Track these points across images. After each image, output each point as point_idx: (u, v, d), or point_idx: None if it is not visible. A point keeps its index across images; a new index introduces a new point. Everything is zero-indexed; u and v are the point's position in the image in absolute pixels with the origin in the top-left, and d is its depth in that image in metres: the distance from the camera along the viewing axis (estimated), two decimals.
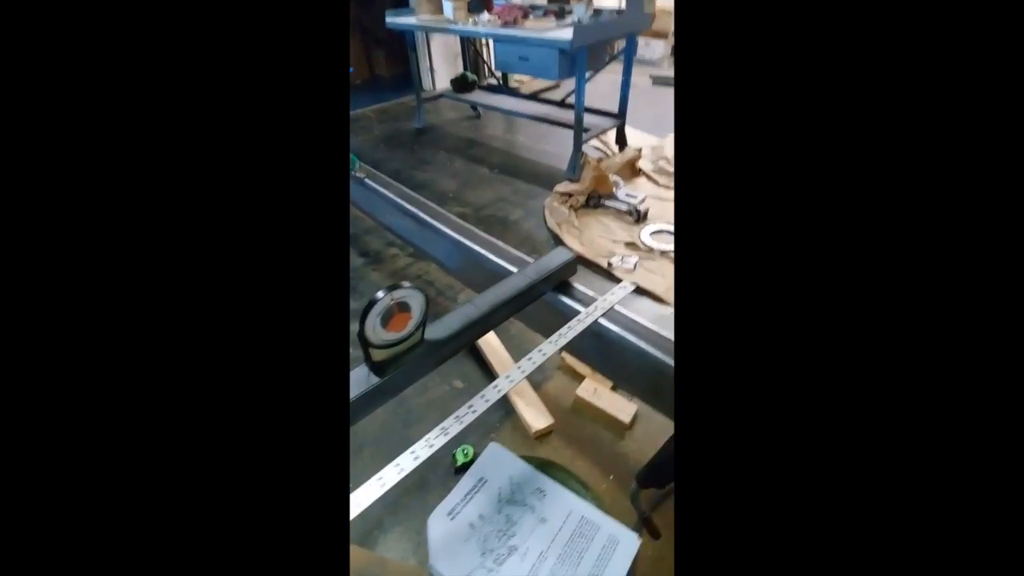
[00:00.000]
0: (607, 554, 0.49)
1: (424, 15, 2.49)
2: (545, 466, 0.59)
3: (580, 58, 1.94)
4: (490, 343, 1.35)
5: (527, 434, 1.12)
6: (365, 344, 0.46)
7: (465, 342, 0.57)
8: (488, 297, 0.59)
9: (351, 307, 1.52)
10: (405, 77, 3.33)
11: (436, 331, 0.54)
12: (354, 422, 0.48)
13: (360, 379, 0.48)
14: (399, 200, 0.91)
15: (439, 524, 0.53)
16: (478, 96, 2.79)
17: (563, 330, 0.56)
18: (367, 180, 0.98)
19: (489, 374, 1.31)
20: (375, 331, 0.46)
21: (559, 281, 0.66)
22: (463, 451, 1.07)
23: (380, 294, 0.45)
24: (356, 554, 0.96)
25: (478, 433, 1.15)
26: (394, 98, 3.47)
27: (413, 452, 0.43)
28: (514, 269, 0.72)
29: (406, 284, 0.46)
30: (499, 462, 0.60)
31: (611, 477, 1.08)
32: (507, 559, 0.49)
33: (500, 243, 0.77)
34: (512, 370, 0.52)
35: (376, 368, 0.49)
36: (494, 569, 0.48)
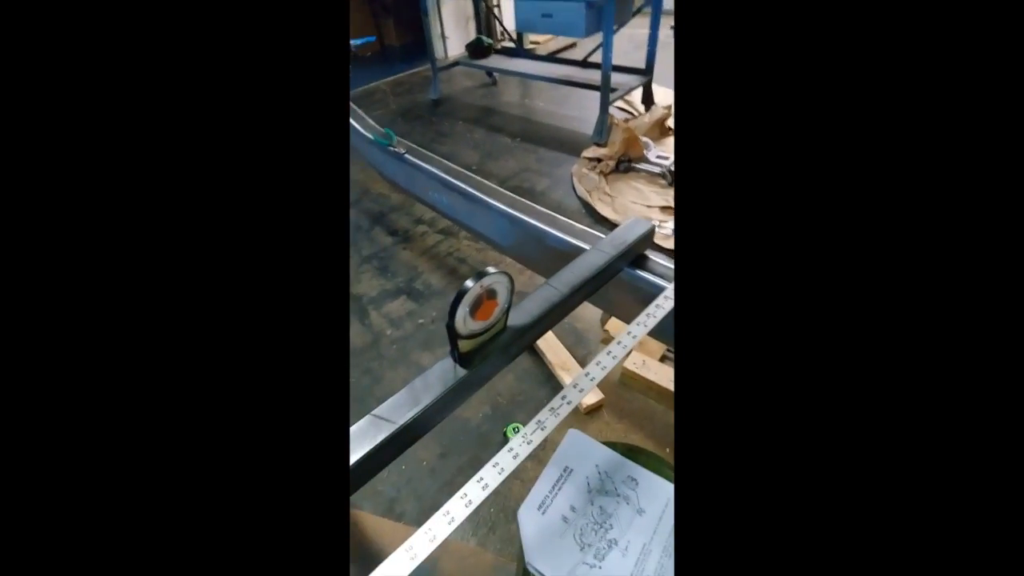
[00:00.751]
0: None
1: None
2: (631, 452, 0.56)
3: (608, 11, 1.81)
4: (547, 339, 1.31)
5: (577, 410, 1.10)
6: (454, 336, 0.42)
7: (547, 326, 0.53)
8: (566, 277, 0.55)
9: (384, 287, 1.50)
10: (416, 46, 3.20)
11: (517, 317, 0.50)
12: (443, 417, 0.45)
13: (446, 372, 0.45)
14: (444, 175, 0.86)
15: (531, 519, 0.50)
16: (495, 61, 2.66)
17: (651, 309, 0.52)
18: (407, 155, 0.92)
19: (533, 352, 1.29)
20: (464, 322, 0.42)
21: (636, 255, 0.61)
22: (513, 428, 1.05)
23: (469, 283, 0.41)
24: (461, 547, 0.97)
25: (525, 410, 1.14)
26: (407, 68, 3.34)
27: (482, 480, 0.39)
28: (579, 244, 0.67)
29: (492, 270, 0.42)
30: (582, 449, 0.58)
31: (667, 450, 1.06)
32: (608, 553, 0.46)
33: (561, 217, 0.72)
34: (595, 364, 0.48)
35: (462, 360, 0.45)
36: (596, 565, 0.45)
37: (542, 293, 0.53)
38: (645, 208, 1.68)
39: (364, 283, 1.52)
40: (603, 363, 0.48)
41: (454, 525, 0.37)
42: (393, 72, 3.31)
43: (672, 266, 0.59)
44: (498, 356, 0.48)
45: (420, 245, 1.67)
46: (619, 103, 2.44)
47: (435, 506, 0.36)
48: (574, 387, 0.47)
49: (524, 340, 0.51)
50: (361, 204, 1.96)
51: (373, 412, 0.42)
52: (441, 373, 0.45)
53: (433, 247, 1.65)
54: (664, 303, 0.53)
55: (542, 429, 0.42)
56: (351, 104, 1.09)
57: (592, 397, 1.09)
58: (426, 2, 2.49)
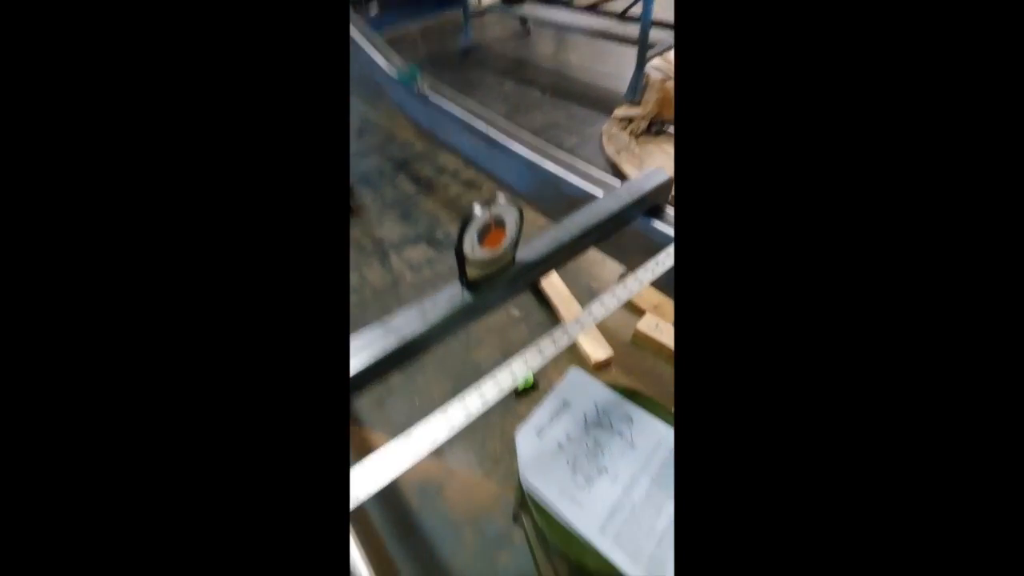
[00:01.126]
0: None
1: None
2: (630, 394, 0.58)
3: None
4: (548, 275, 1.33)
5: (585, 364, 1.12)
6: (461, 260, 0.44)
7: (554, 264, 0.54)
8: (578, 220, 0.55)
9: (405, 233, 1.52)
10: None
11: (526, 252, 0.51)
12: (445, 338, 0.48)
13: (454, 296, 0.47)
14: (465, 116, 0.85)
15: (528, 441, 0.53)
16: (530, 9, 2.54)
17: (661, 256, 0.52)
18: (432, 96, 0.92)
19: (544, 303, 1.31)
20: (472, 248, 0.44)
21: (652, 205, 0.61)
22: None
23: (477, 209, 0.42)
24: (423, 463, 1.03)
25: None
26: (438, 13, 3.23)
27: (481, 392, 0.41)
28: (597, 191, 0.67)
29: (502, 199, 0.43)
30: (582, 387, 0.60)
31: (673, 411, 1.08)
32: (598, 479, 0.49)
33: (581, 163, 0.71)
34: (598, 303, 0.49)
35: (470, 286, 0.47)
36: (585, 487, 0.48)
37: (552, 233, 0.54)
38: (672, 172, 1.63)
39: (386, 228, 1.55)
40: (606, 303, 0.49)
41: (450, 433, 0.39)
42: (422, 15, 3.20)
43: None
44: (504, 287, 0.49)
45: (443, 195, 1.68)
46: (657, 61, 2.32)
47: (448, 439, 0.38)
48: (576, 323, 0.49)
49: (530, 275, 0.52)
50: (386, 150, 1.96)
51: (383, 321, 0.44)
52: (449, 296, 0.47)
53: (455, 198, 1.65)
54: (666, 259, 0.53)
55: (541, 354, 0.44)
56: (378, 39, 1.07)
57: (602, 352, 1.11)
58: None
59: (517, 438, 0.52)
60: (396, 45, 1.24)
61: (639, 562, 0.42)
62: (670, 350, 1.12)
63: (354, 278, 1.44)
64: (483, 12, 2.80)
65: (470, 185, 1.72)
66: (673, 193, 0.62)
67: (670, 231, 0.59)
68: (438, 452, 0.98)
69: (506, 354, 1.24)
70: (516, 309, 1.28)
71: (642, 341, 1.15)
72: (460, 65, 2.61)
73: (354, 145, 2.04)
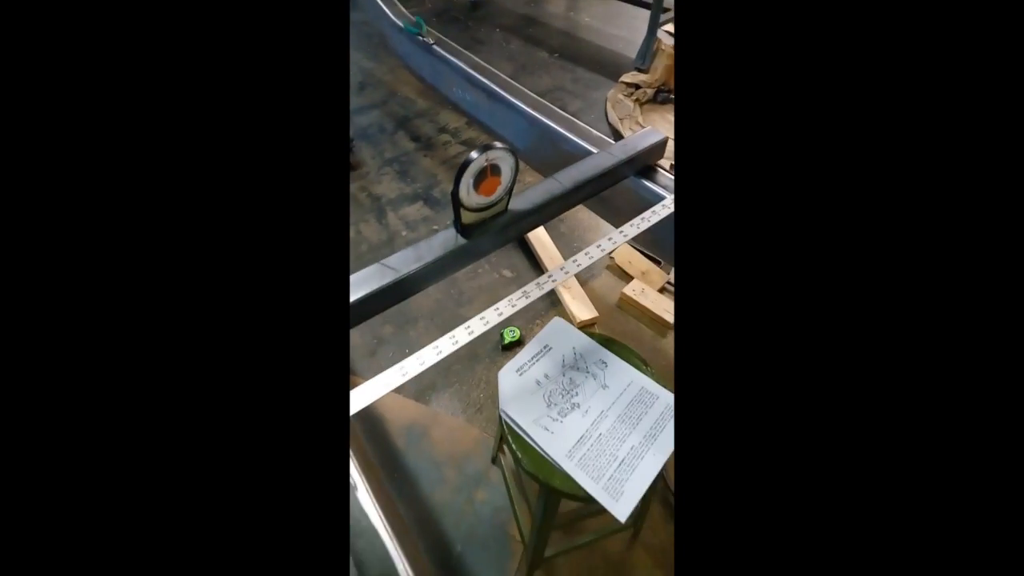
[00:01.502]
0: (663, 421, 0.53)
1: None
2: (607, 342, 0.62)
3: None
4: (539, 236, 1.35)
5: (571, 321, 1.17)
6: (457, 205, 0.47)
7: (545, 216, 0.57)
8: (571, 173, 0.58)
9: (403, 191, 1.53)
10: None
11: (519, 203, 0.54)
12: (438, 279, 0.51)
13: (448, 239, 0.50)
14: (469, 70, 0.86)
15: (509, 378, 0.58)
16: None
17: (647, 214, 0.55)
18: (435, 46, 0.92)
19: (536, 267, 1.34)
20: (468, 193, 0.46)
21: (644, 165, 0.63)
22: (510, 331, 1.13)
23: (474, 154, 0.44)
24: (411, 407, 1.09)
25: (524, 318, 1.21)
26: None
27: (468, 327, 0.45)
28: (593, 150, 0.69)
29: (499, 145, 0.45)
30: (563, 333, 0.64)
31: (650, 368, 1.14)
32: (570, 413, 0.54)
33: (579, 122, 0.73)
34: (583, 254, 0.52)
35: (464, 231, 0.50)
36: (558, 419, 0.53)
37: (545, 185, 0.57)
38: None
39: (384, 184, 1.56)
40: (591, 253, 0.52)
41: (438, 358, 0.43)
42: None
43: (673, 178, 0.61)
44: (497, 233, 0.52)
45: (441, 154, 1.68)
46: (670, 27, 2.27)
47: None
48: (560, 270, 0.52)
49: (523, 224, 0.55)
50: (387, 106, 1.93)
51: (381, 261, 0.47)
52: (444, 239, 0.50)
53: (454, 157, 1.65)
54: (660, 211, 0.56)
55: (526, 296, 0.48)
56: None
57: (587, 313, 1.15)
58: None
59: (500, 375, 0.57)
60: None
61: (599, 482, 0.48)
62: (653, 314, 1.16)
63: (351, 233, 1.46)
64: None
65: (470, 145, 1.72)
66: (669, 157, 0.65)
67: (660, 192, 0.61)
68: (425, 399, 1.03)
69: (500, 310, 1.28)
70: (508, 270, 1.32)
71: (627, 305, 1.20)
72: (467, 20, 2.53)
73: (355, 100, 2.00)
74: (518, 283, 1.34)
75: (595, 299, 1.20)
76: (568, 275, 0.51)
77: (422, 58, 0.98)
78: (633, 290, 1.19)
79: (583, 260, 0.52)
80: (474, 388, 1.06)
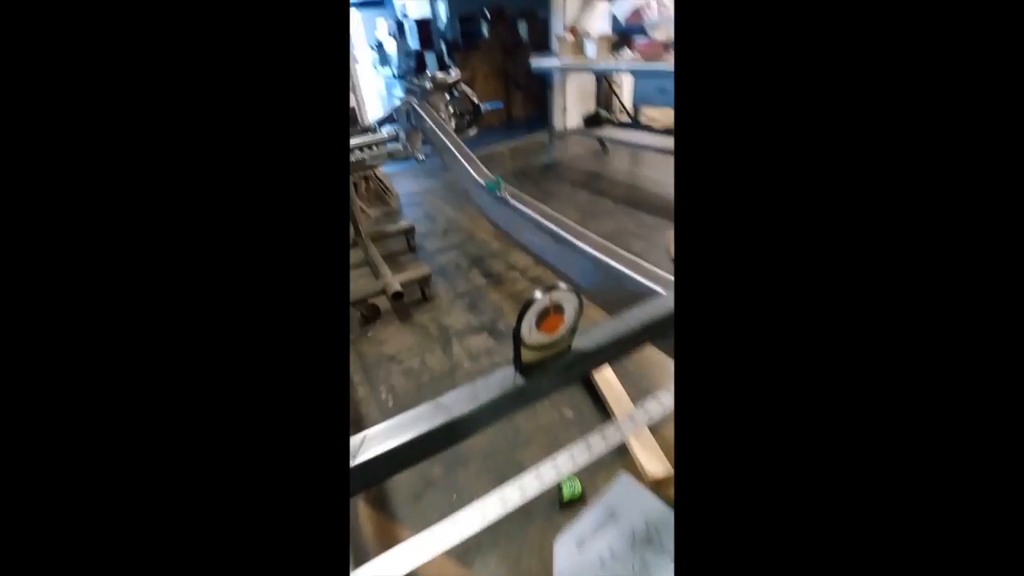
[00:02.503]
0: None
1: (566, 57, 2.62)
2: None
3: None
4: (604, 375, 1.28)
5: (641, 479, 1.02)
6: (518, 343, 0.45)
7: (609, 356, 0.53)
8: (636, 314, 0.55)
9: (470, 322, 1.58)
10: (539, 118, 3.54)
11: (582, 342, 0.51)
12: (494, 422, 0.47)
13: (506, 379, 0.47)
14: (537, 217, 0.92)
15: (566, 553, 0.48)
16: (607, 131, 2.81)
17: None
18: (511, 200, 1.02)
19: (601, 407, 1.25)
20: (530, 331, 0.45)
21: None
22: (569, 485, 1.00)
23: (538, 294, 0.44)
24: (451, 570, 0.94)
25: (588, 469, 1.09)
26: (527, 135, 3.68)
27: (521, 485, 0.40)
28: (659, 290, 0.67)
29: (563, 286, 0.45)
30: (632, 497, 0.54)
31: None
32: None
33: (643, 262, 0.73)
34: (655, 400, 0.46)
35: (523, 370, 0.47)
36: None
37: (610, 324, 0.54)
38: None
39: (453, 316, 1.63)
40: (663, 401, 0.46)
41: (484, 524, 0.37)
42: (514, 139, 3.66)
43: None
44: (558, 374, 0.49)
45: (510, 289, 1.75)
46: None
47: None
48: (629, 420, 0.46)
49: (585, 364, 0.51)
50: (464, 247, 2.12)
51: (436, 399, 0.45)
52: (502, 378, 0.47)
53: (521, 292, 1.72)
54: None
55: (589, 450, 0.42)
56: (467, 151, 1.24)
57: (660, 469, 1.00)
58: (552, 79, 2.77)
59: (555, 547, 0.48)
60: (486, 161, 1.42)
61: None
62: None
63: (415, 362, 1.49)
64: (566, 134, 3.14)
65: (537, 281, 1.79)
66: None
67: None
68: (468, 559, 0.90)
69: (558, 465, 1.16)
70: (569, 410, 1.23)
71: None
72: (540, 178, 2.88)
73: (438, 242, 2.25)
74: (580, 425, 1.24)
75: (668, 449, 1.06)
76: (637, 426, 0.45)
77: (498, 209, 1.09)
78: None
79: (654, 409, 0.46)
80: (525, 553, 0.91)
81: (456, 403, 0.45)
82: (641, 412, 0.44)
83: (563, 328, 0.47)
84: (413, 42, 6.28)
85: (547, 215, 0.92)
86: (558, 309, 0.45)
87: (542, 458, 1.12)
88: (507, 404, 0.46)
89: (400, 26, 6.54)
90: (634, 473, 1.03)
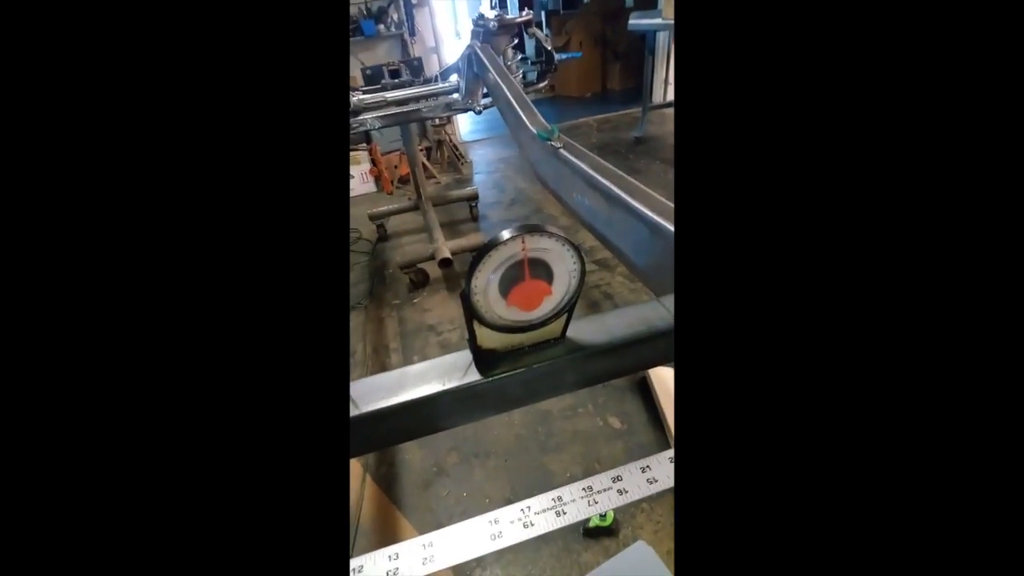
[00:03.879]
0: None
1: (671, 15, 2.28)
2: None
3: None
4: (663, 380, 1.05)
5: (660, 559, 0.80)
6: (470, 314, 0.28)
7: (635, 363, 0.34)
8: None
9: None
10: (636, 91, 3.19)
11: (588, 331, 0.32)
12: (425, 432, 0.31)
13: (455, 368, 0.30)
14: (589, 170, 0.73)
15: None
16: None
17: None
18: (562, 150, 0.83)
19: (657, 420, 1.02)
20: (488, 297, 0.27)
21: None
22: (600, 516, 0.82)
23: (506, 234, 0.26)
24: None
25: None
26: (621, 109, 3.35)
27: (539, 509, 0.24)
28: None
29: (552, 229, 0.27)
30: (644, 568, 0.35)
31: None
32: None
33: None
34: None
35: (482, 360, 0.30)
36: None
37: (642, 310, 0.34)
38: None
39: None
40: None
41: (493, 547, 0.23)
42: (605, 111, 3.36)
43: None
44: (541, 374, 0.31)
45: None
46: None
47: (481, 559, 0.27)
48: (642, 472, 0.27)
49: (590, 367, 0.32)
50: (529, 220, 1.96)
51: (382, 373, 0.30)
52: (447, 368, 0.31)
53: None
54: None
55: (625, 492, 0.24)
56: (525, 98, 1.06)
57: None
58: (655, 42, 2.44)
59: None
60: (570, 132, 1.23)
61: None
62: None
63: (455, 335, 1.38)
64: (663, 106, 2.79)
65: (603, 265, 1.57)
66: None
67: None
68: (466, 574, 0.76)
69: (588, 472, 0.97)
70: (617, 419, 1.02)
71: None
72: (629, 153, 2.59)
73: (504, 212, 2.11)
74: (627, 440, 1.02)
75: None
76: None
77: (548, 164, 0.90)
78: None
79: None
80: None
81: (368, 395, 0.29)
82: None
83: (550, 303, 0.29)
84: (513, 10, 6.16)
85: (601, 169, 0.72)
86: (540, 269, 0.27)
87: (572, 471, 0.95)
88: (449, 408, 0.30)
89: None
90: None
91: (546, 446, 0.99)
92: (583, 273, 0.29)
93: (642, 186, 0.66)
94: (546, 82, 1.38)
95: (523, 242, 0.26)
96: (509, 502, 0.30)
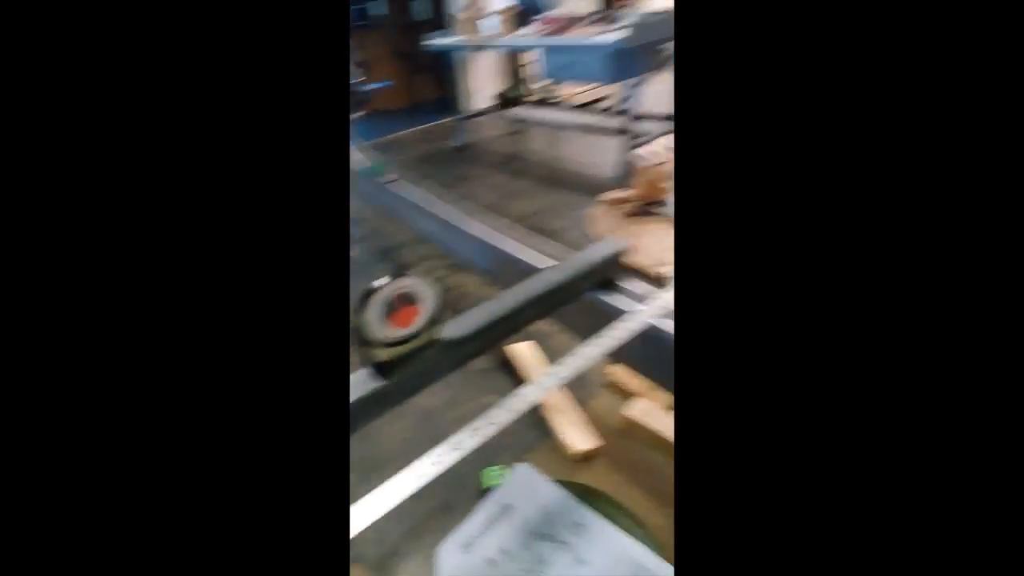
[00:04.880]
0: None
1: (465, 34, 2.53)
2: (586, 494, 0.49)
3: (629, 59, 1.87)
4: (524, 356, 1.26)
5: (568, 457, 1.01)
6: (362, 341, 0.39)
7: (488, 343, 0.49)
8: (516, 292, 0.51)
9: None
10: (443, 101, 3.39)
11: (453, 329, 0.46)
12: (355, 429, 0.41)
13: (359, 382, 0.41)
14: (422, 202, 0.86)
15: (452, 558, 0.44)
16: (522, 111, 2.78)
17: (610, 329, 0.47)
18: (387, 186, 0.94)
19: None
20: (376, 325, 0.39)
21: (604, 278, 0.57)
22: (493, 472, 0.98)
23: (381, 281, 0.38)
24: None
25: (512, 452, 1.06)
26: (436, 119, 3.53)
27: (417, 471, 0.35)
28: (550, 264, 0.63)
29: (413, 276, 0.40)
30: (528, 487, 0.51)
31: (667, 508, 0.94)
32: None
33: (537, 237, 0.69)
34: (543, 376, 0.43)
35: (380, 369, 0.42)
36: None
37: (485, 306, 0.50)
38: (662, 251, 1.64)
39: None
40: (543, 383, 0.43)
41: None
42: (420, 123, 3.49)
43: (640, 291, 0.54)
44: (425, 369, 0.44)
45: (428, 277, 1.68)
46: (642, 150, 2.47)
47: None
48: (535, 385, 0.42)
49: (459, 354, 0.47)
50: (371, 240, 2.00)
51: None
52: (353, 384, 0.41)
53: (440, 279, 1.65)
54: (626, 324, 0.48)
55: (457, 450, 0.37)
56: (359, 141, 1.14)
57: (585, 443, 1.00)
58: (453, 58, 2.66)
59: (439, 555, 0.43)
60: (388, 146, 1.31)
61: None
62: (662, 439, 1.00)
63: None
64: (477, 115, 3.06)
65: (456, 268, 1.73)
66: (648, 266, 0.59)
67: (620, 306, 0.54)
68: (388, 569, 0.84)
69: (460, 443, 1.12)
70: (494, 395, 1.20)
71: (632, 429, 1.04)
72: (452, 161, 2.78)
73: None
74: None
75: (595, 423, 1.06)
76: (528, 403, 0.41)
77: (390, 197, 1.01)
78: (637, 410, 1.05)
79: (547, 381, 0.42)
80: (390, 527, 0.86)
81: None
82: (547, 377, 0.40)
83: (420, 319, 0.42)
84: None
85: (428, 199, 0.86)
86: (407, 299, 0.40)
87: (467, 459, 1.08)
88: (366, 409, 0.41)
89: None
90: (561, 450, 1.01)
91: (436, 437, 1.10)
92: (442, 296, 0.42)
93: (464, 205, 0.82)
94: (363, 111, 1.46)
95: (395, 286, 0.39)
96: (412, 496, 0.36)
